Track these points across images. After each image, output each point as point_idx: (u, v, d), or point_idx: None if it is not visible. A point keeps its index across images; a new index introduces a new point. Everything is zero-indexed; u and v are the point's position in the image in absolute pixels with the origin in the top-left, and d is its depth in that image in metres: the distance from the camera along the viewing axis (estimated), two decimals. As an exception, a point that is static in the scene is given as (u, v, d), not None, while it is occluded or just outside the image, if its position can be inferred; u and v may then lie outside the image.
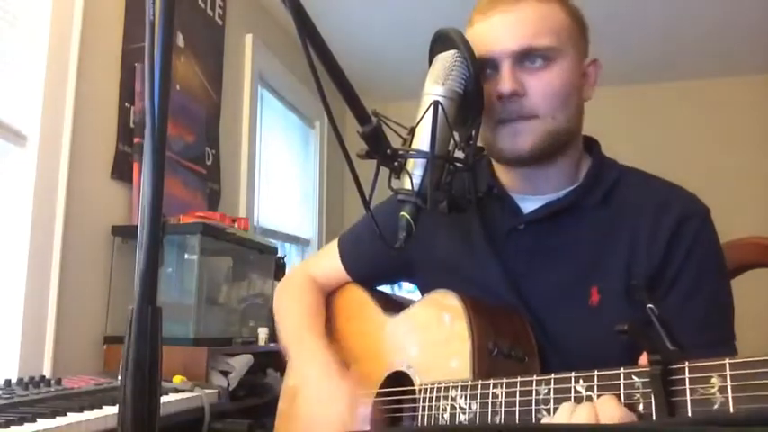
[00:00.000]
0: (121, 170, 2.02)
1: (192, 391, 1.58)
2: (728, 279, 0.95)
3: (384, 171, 0.85)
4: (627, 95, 4.02)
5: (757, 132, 3.87)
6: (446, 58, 0.86)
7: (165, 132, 0.57)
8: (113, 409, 1.22)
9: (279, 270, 2.46)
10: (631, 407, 0.65)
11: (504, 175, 1.02)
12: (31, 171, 1.69)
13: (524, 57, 0.91)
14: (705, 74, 3.92)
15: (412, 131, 0.85)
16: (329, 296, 1.23)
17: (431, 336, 0.97)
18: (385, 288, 1.25)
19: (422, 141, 0.83)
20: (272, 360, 2.15)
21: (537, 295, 0.95)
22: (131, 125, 2.08)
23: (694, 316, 0.88)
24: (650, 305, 0.66)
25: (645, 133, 3.88)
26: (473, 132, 0.89)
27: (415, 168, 0.82)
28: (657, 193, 0.96)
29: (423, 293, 1.08)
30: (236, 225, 2.16)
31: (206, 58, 2.61)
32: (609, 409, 0.65)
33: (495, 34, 0.92)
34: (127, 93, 2.08)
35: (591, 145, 1.03)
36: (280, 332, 1.20)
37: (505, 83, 0.90)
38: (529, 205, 0.99)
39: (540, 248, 0.97)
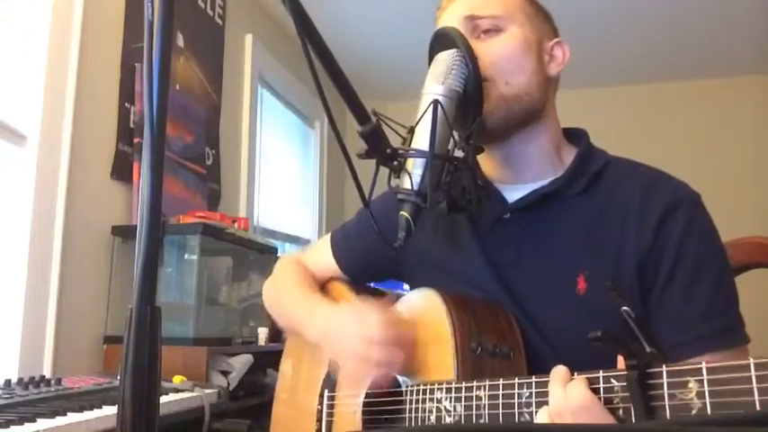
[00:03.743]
0: (121, 170, 2.02)
1: (191, 391, 1.58)
2: (728, 264, 0.93)
3: (384, 170, 0.85)
4: (625, 95, 4.03)
5: (756, 132, 3.87)
6: (446, 58, 0.86)
7: (164, 132, 0.57)
8: (113, 409, 1.22)
9: (279, 270, 2.46)
10: (611, 411, 0.65)
11: (487, 164, 1.02)
12: (31, 171, 1.69)
13: (472, 25, 0.95)
14: (704, 74, 3.92)
15: (411, 131, 0.85)
16: None
17: (415, 336, 0.96)
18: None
19: (421, 141, 0.83)
20: (272, 360, 2.15)
21: (524, 284, 0.95)
22: (131, 125, 2.08)
23: (698, 304, 0.87)
24: (625, 308, 0.65)
25: (643, 133, 3.89)
26: (472, 131, 0.89)
27: (415, 168, 0.82)
28: (645, 179, 0.95)
29: (411, 290, 1.08)
30: (236, 225, 2.16)
31: (206, 58, 2.61)
32: (577, 391, 0.66)
33: (447, 15, 0.99)
34: (127, 93, 2.08)
35: (579, 135, 1.03)
36: (280, 310, 1.18)
37: None
38: (513, 194, 0.99)
39: (527, 237, 0.96)
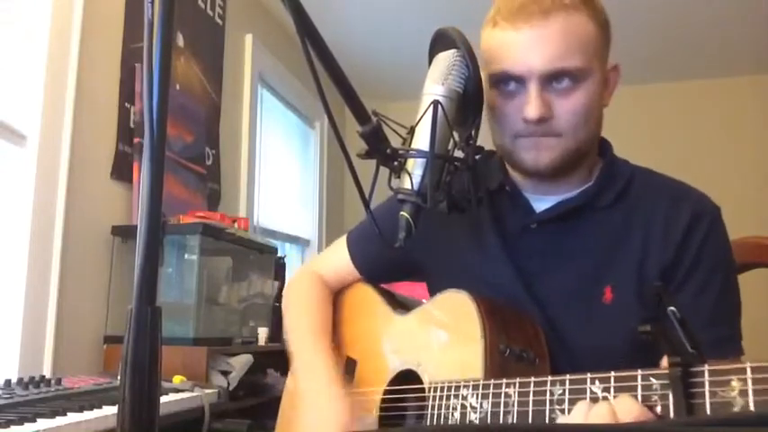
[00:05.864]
0: (121, 170, 2.02)
1: (191, 391, 1.58)
2: (737, 278, 0.95)
3: (384, 171, 0.85)
4: (625, 96, 4.02)
5: (756, 132, 3.87)
6: (446, 58, 0.86)
7: (164, 132, 0.57)
8: (113, 409, 1.22)
9: (279, 270, 2.46)
10: (648, 408, 0.64)
11: (518, 174, 1.02)
12: (31, 171, 1.69)
13: (553, 78, 0.89)
14: (705, 74, 3.92)
15: (412, 131, 0.85)
16: (338, 294, 1.22)
17: (442, 335, 0.97)
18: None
19: (421, 141, 0.83)
20: (272, 360, 2.15)
21: (549, 295, 0.96)
22: (131, 125, 2.08)
23: (702, 313, 0.89)
24: (672, 308, 0.64)
25: (644, 134, 3.88)
26: (473, 132, 0.89)
27: (415, 168, 0.82)
28: (670, 191, 0.97)
29: (432, 295, 1.08)
30: (236, 225, 2.16)
31: (206, 58, 2.61)
32: (626, 406, 0.64)
33: (524, 51, 0.89)
34: (127, 93, 2.08)
35: (604, 146, 1.03)
36: (286, 334, 1.19)
37: (534, 108, 0.88)
38: (541, 204, 0.99)
39: (553, 248, 0.97)
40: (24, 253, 1.64)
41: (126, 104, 2.07)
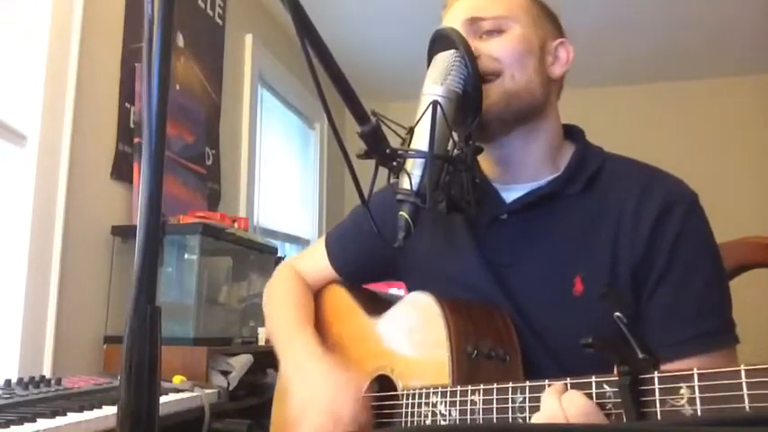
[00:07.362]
0: (121, 170, 2.02)
1: (191, 391, 1.58)
2: (722, 266, 0.92)
3: (383, 171, 0.85)
4: (626, 95, 4.03)
5: (757, 132, 3.87)
6: (445, 58, 0.86)
7: (164, 132, 0.57)
8: (113, 409, 1.22)
9: (279, 270, 2.46)
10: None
11: (485, 163, 1.02)
12: (31, 171, 1.69)
13: (474, 27, 0.95)
14: (705, 74, 3.92)
15: (411, 131, 0.85)
16: (314, 296, 1.22)
17: (411, 340, 0.96)
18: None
19: (421, 141, 0.83)
20: (272, 360, 2.15)
21: (520, 285, 0.94)
22: (131, 125, 2.08)
23: (688, 306, 0.87)
24: (618, 314, 0.65)
25: (644, 133, 3.88)
26: (472, 132, 0.89)
27: (414, 168, 0.82)
28: (642, 179, 0.94)
29: (409, 290, 1.08)
30: (236, 225, 2.16)
31: (206, 58, 2.61)
32: (574, 399, 0.66)
33: (450, 15, 0.99)
34: (127, 93, 2.08)
35: (575, 133, 1.03)
36: (269, 328, 1.19)
37: None
38: (511, 194, 0.98)
39: (523, 238, 0.96)
40: (24, 253, 1.64)
41: (126, 104, 2.07)
